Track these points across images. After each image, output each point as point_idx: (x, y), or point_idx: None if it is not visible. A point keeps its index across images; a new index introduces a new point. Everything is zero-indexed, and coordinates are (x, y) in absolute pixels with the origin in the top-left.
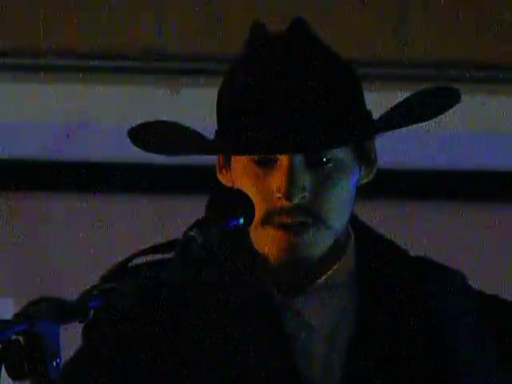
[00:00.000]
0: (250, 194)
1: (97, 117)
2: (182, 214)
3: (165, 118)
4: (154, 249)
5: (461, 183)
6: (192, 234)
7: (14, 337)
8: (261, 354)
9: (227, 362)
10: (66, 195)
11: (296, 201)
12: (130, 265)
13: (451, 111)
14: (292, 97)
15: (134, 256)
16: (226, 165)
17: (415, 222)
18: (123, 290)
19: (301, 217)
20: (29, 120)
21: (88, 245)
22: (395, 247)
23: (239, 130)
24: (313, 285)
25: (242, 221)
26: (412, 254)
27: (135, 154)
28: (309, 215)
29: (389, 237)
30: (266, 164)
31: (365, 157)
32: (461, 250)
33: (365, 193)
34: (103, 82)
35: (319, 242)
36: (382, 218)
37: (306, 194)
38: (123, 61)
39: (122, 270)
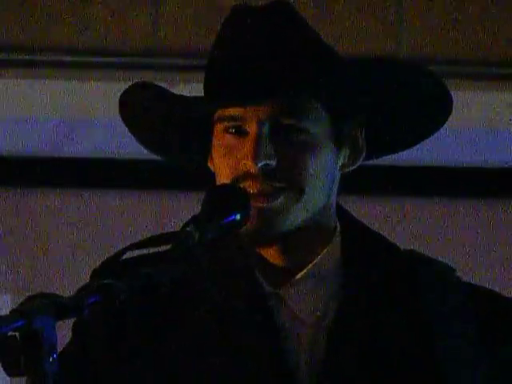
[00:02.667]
0: (221, 168)
1: (95, 113)
2: (184, 210)
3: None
4: (147, 242)
5: (461, 180)
6: (188, 229)
7: (10, 333)
8: (249, 343)
9: (217, 353)
10: (65, 191)
11: (261, 163)
12: (124, 258)
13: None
14: (249, 59)
15: (126, 250)
16: (211, 151)
17: (416, 219)
18: (120, 287)
19: (269, 183)
20: (28, 116)
21: (87, 241)
22: (383, 240)
23: (206, 89)
24: (299, 274)
25: (238, 217)
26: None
27: (135, 150)
28: (277, 180)
29: (392, 234)
30: (238, 134)
31: (346, 142)
32: (466, 248)
33: (367, 189)
34: (102, 79)
35: (291, 209)
36: (383, 214)
37: (273, 162)
38: (121, 57)
39: (114, 264)
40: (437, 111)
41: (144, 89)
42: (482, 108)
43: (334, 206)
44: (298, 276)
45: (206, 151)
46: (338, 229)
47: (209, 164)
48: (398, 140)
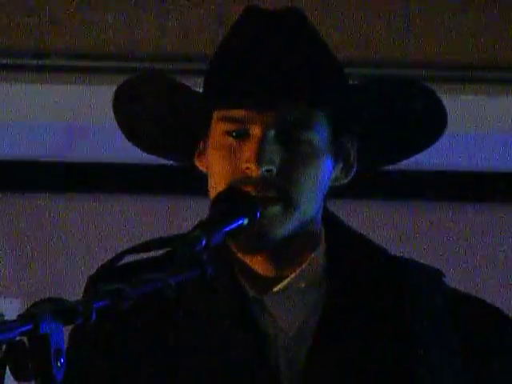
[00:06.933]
0: (218, 170)
1: (98, 117)
2: (183, 214)
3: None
4: (143, 247)
5: (463, 183)
6: (196, 234)
7: (18, 338)
8: (230, 348)
9: (198, 355)
10: (74, 196)
11: (264, 168)
12: (131, 263)
13: (452, 112)
14: (261, 59)
15: (123, 254)
16: (203, 148)
17: (408, 222)
18: (130, 292)
19: (267, 191)
20: (29, 120)
21: (97, 245)
22: (370, 244)
23: (210, 85)
24: (282, 283)
25: (245, 221)
26: (423, 253)
27: (136, 155)
28: (275, 189)
29: (405, 238)
30: (240, 137)
31: (342, 155)
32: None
33: (378, 192)
34: (105, 83)
35: (284, 219)
36: (393, 218)
37: (274, 168)
38: (125, 62)
39: (111, 269)
40: (432, 129)
41: (147, 81)
42: (480, 112)
43: (321, 213)
44: (281, 285)
45: (192, 149)
46: (323, 235)
47: (197, 163)
48: (388, 153)
